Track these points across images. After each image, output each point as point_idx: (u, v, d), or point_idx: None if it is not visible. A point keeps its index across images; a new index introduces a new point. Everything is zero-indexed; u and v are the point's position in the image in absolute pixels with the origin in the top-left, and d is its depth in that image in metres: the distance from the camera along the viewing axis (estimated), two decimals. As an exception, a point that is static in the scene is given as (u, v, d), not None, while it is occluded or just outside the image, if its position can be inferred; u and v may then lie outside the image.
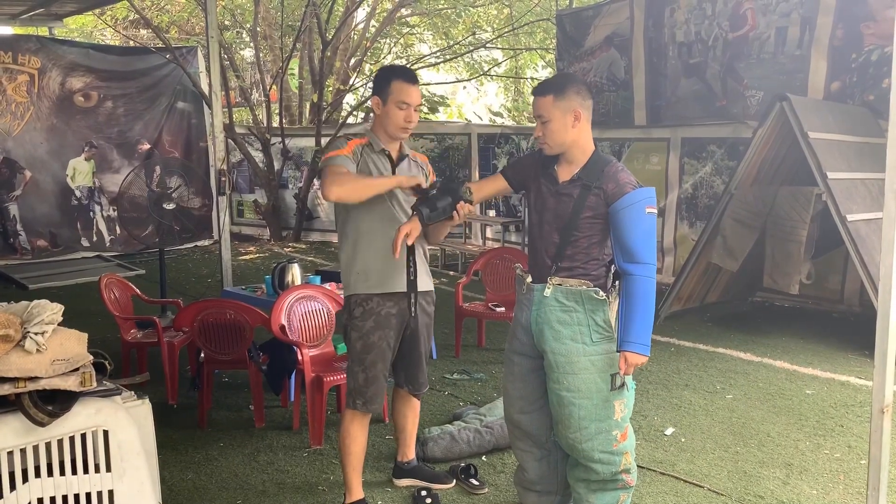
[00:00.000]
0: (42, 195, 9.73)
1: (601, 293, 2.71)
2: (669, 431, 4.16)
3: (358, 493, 3.22)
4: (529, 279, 2.84)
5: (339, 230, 3.17)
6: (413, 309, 3.05)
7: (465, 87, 17.39)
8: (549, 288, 2.75)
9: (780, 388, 4.85)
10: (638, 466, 3.07)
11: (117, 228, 10.10)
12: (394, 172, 3.10)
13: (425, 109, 12.08)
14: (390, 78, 3.04)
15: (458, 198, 2.87)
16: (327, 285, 4.82)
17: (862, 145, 5.98)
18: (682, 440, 4.05)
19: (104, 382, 2.33)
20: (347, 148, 3.02)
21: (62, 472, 2.16)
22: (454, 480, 3.52)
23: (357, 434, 3.17)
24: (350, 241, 3.10)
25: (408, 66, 13.67)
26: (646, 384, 4.85)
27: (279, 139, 11.49)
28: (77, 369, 2.19)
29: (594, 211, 2.69)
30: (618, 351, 2.67)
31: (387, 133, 3.09)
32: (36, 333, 2.14)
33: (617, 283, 2.74)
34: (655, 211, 2.68)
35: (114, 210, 9.75)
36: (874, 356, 2.63)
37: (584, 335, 2.71)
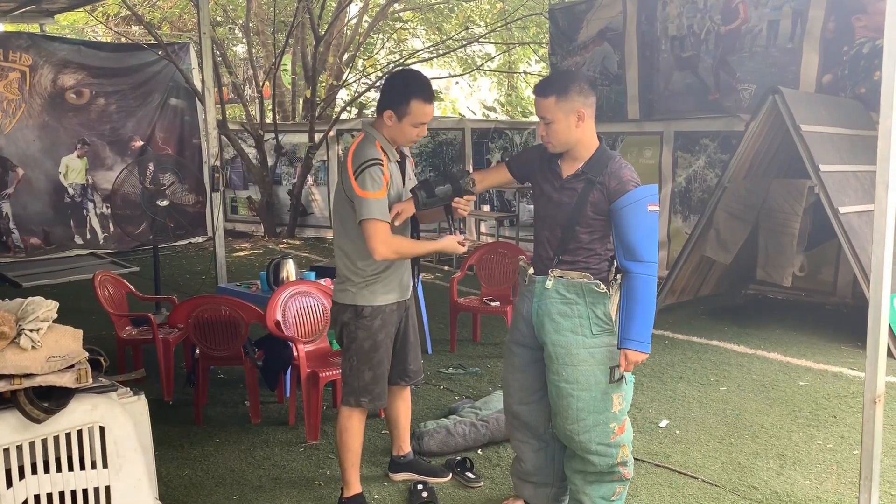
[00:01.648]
0: (35, 193, 9.70)
1: (602, 286, 2.72)
2: (664, 423, 4.18)
3: (356, 487, 3.24)
4: (532, 271, 2.86)
5: (341, 237, 3.07)
6: (415, 279, 3.13)
7: (458, 83, 17.36)
8: (550, 280, 2.76)
9: (773, 380, 4.87)
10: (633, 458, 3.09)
11: (111, 226, 10.08)
12: (403, 177, 3.09)
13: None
14: (409, 97, 2.90)
15: (459, 186, 2.88)
16: (322, 281, 4.82)
17: (854, 138, 6.00)
18: (677, 432, 4.07)
19: (100, 379, 2.33)
20: (384, 185, 2.88)
21: (59, 469, 2.16)
22: (450, 474, 3.54)
23: (356, 431, 3.18)
24: (356, 252, 3.02)
25: (402, 62, 13.68)
26: (640, 377, 4.87)
27: (272, 135, 11.47)
28: (72, 366, 2.19)
29: (596, 207, 2.70)
30: (618, 348, 2.68)
31: (395, 141, 3.05)
32: (31, 330, 2.15)
33: (619, 276, 2.75)
34: (658, 209, 2.68)
35: (107, 207, 9.72)
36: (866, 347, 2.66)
37: (584, 327, 2.73)
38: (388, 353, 3.14)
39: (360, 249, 2.99)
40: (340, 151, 11.09)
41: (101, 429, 2.21)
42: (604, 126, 8.55)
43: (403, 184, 3.09)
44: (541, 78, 7.31)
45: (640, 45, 8.26)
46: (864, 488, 2.71)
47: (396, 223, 2.89)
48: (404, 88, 2.94)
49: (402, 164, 3.12)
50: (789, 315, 6.50)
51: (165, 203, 5.98)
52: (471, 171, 2.99)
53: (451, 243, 3.04)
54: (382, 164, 2.90)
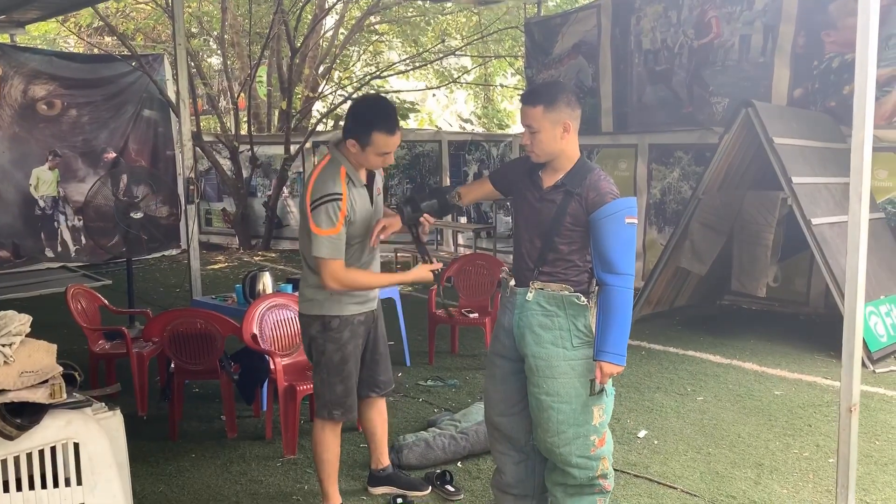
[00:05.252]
0: (4, 205, 9.54)
1: (582, 298, 2.72)
2: (642, 434, 4.20)
3: (335, 499, 3.23)
4: (513, 283, 2.86)
5: (306, 250, 3.01)
6: (427, 257, 3.10)
7: (434, 95, 17.43)
8: (531, 292, 2.76)
9: (749, 390, 4.92)
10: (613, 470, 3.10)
11: (82, 238, 9.94)
12: (371, 197, 3.06)
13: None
14: (371, 129, 2.88)
15: (445, 201, 2.93)
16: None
17: (824, 150, 6.11)
18: (655, 442, 4.09)
19: (74, 394, 2.29)
20: (339, 221, 2.87)
21: (31, 487, 2.12)
22: (430, 487, 3.52)
23: (330, 443, 3.18)
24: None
25: (379, 74, 13.68)
26: (618, 387, 4.88)
27: (248, 147, 11.41)
28: (46, 381, 2.15)
29: (575, 218, 2.71)
30: (594, 360, 2.69)
31: (362, 166, 3.03)
32: (3, 345, 2.10)
33: (597, 288, 2.76)
34: (636, 221, 2.68)
35: (79, 220, 9.59)
36: (841, 357, 2.69)
37: (564, 340, 2.73)
38: (356, 364, 3.15)
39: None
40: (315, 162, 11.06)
41: (76, 445, 2.17)
42: (578, 138, 8.68)
43: (372, 202, 3.07)
44: (522, 89, 7.28)
45: (615, 58, 8.35)
46: (841, 496, 2.73)
47: (383, 237, 2.92)
48: (367, 120, 2.91)
49: (370, 186, 3.08)
50: (763, 325, 6.57)
51: (139, 215, 5.92)
52: (446, 184, 3.04)
53: (422, 272, 3.04)
54: (342, 199, 2.88)
